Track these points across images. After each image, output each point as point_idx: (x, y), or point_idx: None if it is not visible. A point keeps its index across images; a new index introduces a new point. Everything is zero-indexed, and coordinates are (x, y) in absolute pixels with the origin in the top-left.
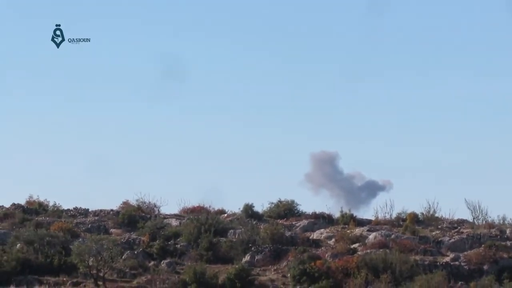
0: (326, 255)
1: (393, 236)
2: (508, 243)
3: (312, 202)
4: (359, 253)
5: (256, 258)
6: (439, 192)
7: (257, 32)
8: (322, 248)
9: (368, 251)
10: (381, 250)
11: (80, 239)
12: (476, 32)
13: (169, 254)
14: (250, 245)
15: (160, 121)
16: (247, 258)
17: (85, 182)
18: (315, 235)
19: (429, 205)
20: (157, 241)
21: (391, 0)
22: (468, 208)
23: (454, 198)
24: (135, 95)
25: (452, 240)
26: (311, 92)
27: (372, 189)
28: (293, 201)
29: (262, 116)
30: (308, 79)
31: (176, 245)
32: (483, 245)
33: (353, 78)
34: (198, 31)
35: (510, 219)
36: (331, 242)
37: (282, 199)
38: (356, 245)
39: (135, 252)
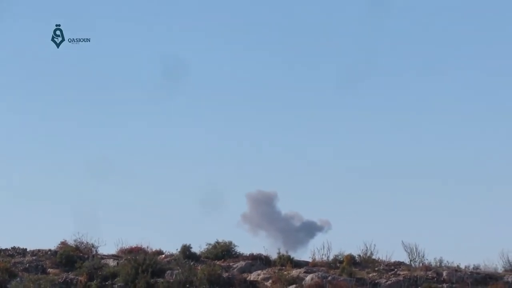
0: None
1: (329, 278)
2: (445, 285)
3: (250, 243)
4: None
5: None
6: (376, 234)
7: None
8: None
9: None
10: None
11: (18, 279)
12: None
13: None
14: (188, 286)
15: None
16: None
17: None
18: (252, 276)
19: (366, 247)
20: (94, 281)
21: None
22: (405, 250)
23: (391, 240)
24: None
25: (389, 282)
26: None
27: (310, 229)
28: (230, 242)
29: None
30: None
31: (114, 286)
32: (419, 287)
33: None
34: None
35: (447, 261)
36: (268, 283)
37: (220, 240)
38: (292, 287)
39: None
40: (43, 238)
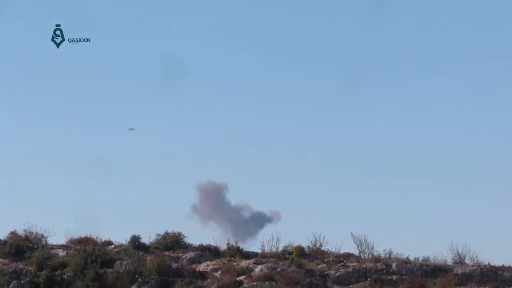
0: (212, 287)
1: (279, 269)
2: (394, 277)
3: (200, 234)
4: (245, 285)
5: None
6: (325, 225)
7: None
8: (208, 280)
9: (254, 283)
10: (267, 282)
11: None
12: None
13: (56, 284)
14: (137, 276)
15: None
16: None
17: None
18: (201, 267)
19: (316, 238)
20: (44, 271)
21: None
22: (354, 242)
23: (340, 231)
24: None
25: (338, 273)
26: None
27: (260, 220)
28: (180, 233)
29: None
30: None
31: (63, 275)
32: (369, 279)
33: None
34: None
35: (396, 253)
36: (218, 274)
37: (169, 231)
38: (242, 278)
39: (22, 282)
40: None
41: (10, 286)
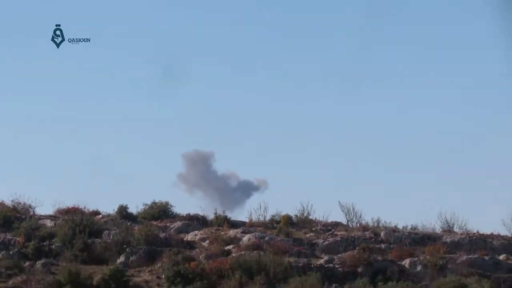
0: (200, 257)
1: (267, 238)
2: (382, 245)
3: (187, 203)
4: (233, 255)
5: (131, 259)
6: (313, 194)
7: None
8: (196, 249)
9: (242, 252)
10: (255, 252)
11: None
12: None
13: (44, 254)
14: (125, 246)
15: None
16: (121, 259)
17: None
18: (189, 237)
19: (303, 207)
20: (32, 242)
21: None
22: (342, 210)
23: (328, 200)
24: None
25: (326, 242)
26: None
27: (247, 189)
28: (167, 203)
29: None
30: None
31: (51, 246)
32: (357, 248)
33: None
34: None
35: (384, 221)
36: (205, 243)
37: (157, 201)
38: (230, 247)
39: (11, 253)
40: None
41: None
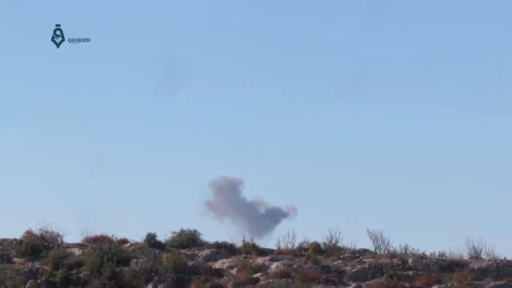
0: (229, 285)
1: (295, 265)
2: (410, 272)
3: (215, 231)
4: (261, 282)
5: (159, 287)
6: (341, 221)
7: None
8: (225, 277)
9: (271, 280)
10: (283, 279)
11: None
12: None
13: (72, 283)
14: (153, 274)
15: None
16: (149, 287)
17: None
18: (217, 265)
19: (331, 234)
20: (60, 270)
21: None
22: (370, 237)
23: (356, 227)
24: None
25: (354, 269)
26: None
27: (276, 216)
28: (195, 231)
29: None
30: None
31: (79, 274)
32: (385, 275)
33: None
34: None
35: (412, 248)
36: (233, 271)
37: (185, 229)
38: (258, 275)
39: (38, 281)
40: (8, 227)
41: (26, 286)
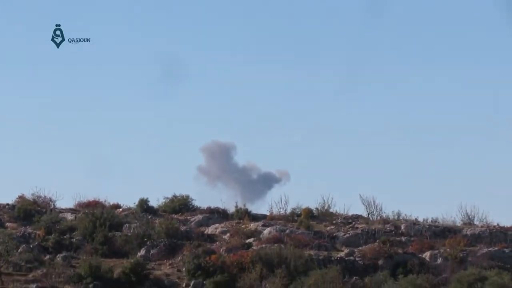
0: (221, 250)
1: (287, 231)
2: (403, 238)
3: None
4: (254, 248)
5: (151, 252)
6: (334, 187)
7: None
8: (217, 242)
9: (263, 246)
10: (275, 245)
11: None
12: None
13: (64, 248)
14: (145, 239)
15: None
16: (142, 252)
17: None
18: (210, 230)
19: (324, 200)
20: (52, 235)
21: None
22: (363, 203)
23: (348, 193)
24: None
25: (347, 235)
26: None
27: (268, 181)
28: (188, 196)
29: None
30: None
31: (72, 239)
32: (377, 241)
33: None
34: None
35: (405, 214)
36: (226, 237)
37: (177, 194)
38: (250, 240)
39: (31, 246)
40: (1, 192)
41: (19, 250)
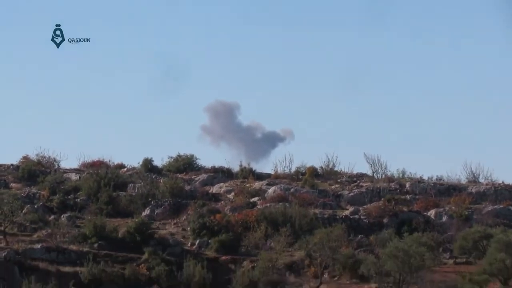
0: (226, 209)
1: (292, 189)
2: (408, 196)
3: (212, 156)
4: (259, 207)
5: (156, 212)
6: (338, 145)
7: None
8: (222, 202)
9: (268, 204)
10: (280, 203)
11: None
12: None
13: (69, 208)
14: (150, 199)
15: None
16: (147, 212)
17: None
18: (214, 189)
19: (328, 158)
20: (57, 195)
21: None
22: (367, 162)
23: (353, 151)
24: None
25: (352, 194)
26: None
27: (272, 140)
28: (192, 155)
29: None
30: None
31: (76, 199)
32: (382, 199)
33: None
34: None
35: (410, 172)
36: (231, 196)
37: (182, 153)
38: (255, 199)
39: (36, 206)
40: (5, 152)
41: (23, 211)
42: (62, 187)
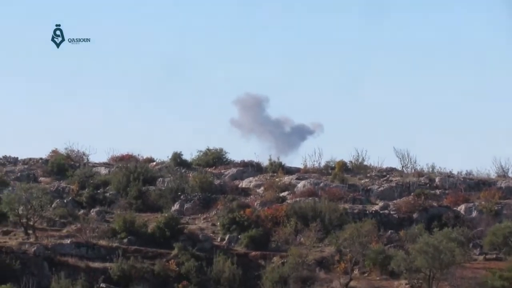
0: (255, 204)
1: (322, 184)
2: (437, 191)
3: (242, 150)
4: (288, 201)
5: (186, 206)
6: (368, 140)
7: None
8: (251, 196)
9: (297, 199)
10: (310, 198)
11: (10, 188)
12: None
13: (98, 202)
14: (179, 193)
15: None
16: (176, 206)
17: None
18: (244, 183)
19: (358, 153)
20: (86, 190)
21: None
22: (397, 156)
23: (382, 146)
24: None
25: (381, 188)
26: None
27: (302, 133)
28: (221, 150)
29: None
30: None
31: (106, 194)
32: (412, 194)
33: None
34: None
35: (439, 167)
36: (260, 190)
37: (211, 147)
38: (285, 194)
39: (65, 201)
40: (34, 146)
41: (53, 205)
42: (92, 181)
